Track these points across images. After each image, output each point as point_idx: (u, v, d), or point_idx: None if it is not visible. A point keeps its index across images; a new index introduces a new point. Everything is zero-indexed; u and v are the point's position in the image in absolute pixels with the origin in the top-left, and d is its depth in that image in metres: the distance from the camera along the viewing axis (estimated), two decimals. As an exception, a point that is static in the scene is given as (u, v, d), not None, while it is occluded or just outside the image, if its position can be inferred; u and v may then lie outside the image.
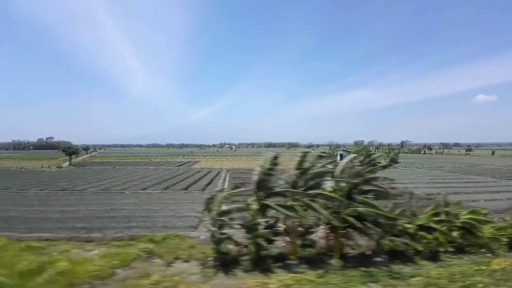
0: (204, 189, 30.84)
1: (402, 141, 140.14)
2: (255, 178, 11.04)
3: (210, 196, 12.07)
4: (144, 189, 31.22)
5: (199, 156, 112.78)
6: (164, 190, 30.41)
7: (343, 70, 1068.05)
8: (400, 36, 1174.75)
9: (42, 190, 30.14)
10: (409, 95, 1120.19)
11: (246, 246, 10.51)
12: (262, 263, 10.22)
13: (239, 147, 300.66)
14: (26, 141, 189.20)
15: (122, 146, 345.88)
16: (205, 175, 44.43)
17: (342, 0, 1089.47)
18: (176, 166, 63.60)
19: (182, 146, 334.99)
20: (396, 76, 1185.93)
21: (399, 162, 68.61)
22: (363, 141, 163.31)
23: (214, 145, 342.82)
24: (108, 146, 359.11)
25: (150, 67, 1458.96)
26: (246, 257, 10.53)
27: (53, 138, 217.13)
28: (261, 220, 10.72)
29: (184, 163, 74.14)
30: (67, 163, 65.55)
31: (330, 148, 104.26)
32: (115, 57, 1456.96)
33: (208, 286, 9.06)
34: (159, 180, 38.66)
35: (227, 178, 41.27)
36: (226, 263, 10.38)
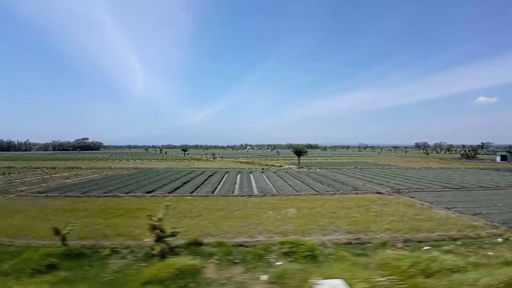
0: None
1: (482, 142, 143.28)
2: None
3: None
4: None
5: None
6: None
7: (344, 71, 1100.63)
8: (401, 37, 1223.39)
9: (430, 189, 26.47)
10: (410, 96, 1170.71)
11: None
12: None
13: (260, 149, 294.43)
14: (66, 142, 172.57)
15: (136, 147, 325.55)
16: None
17: (343, 2, 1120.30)
18: (365, 166, 59.17)
19: (207, 147, 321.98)
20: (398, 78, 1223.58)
21: None
22: (426, 142, 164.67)
23: (234, 146, 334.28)
24: (121, 147, 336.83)
25: (152, 70, 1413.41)
26: None
27: (88, 138, 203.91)
28: None
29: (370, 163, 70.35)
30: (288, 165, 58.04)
31: (465, 150, 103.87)
32: (119, 60, 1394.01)
33: None
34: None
35: None
36: None
